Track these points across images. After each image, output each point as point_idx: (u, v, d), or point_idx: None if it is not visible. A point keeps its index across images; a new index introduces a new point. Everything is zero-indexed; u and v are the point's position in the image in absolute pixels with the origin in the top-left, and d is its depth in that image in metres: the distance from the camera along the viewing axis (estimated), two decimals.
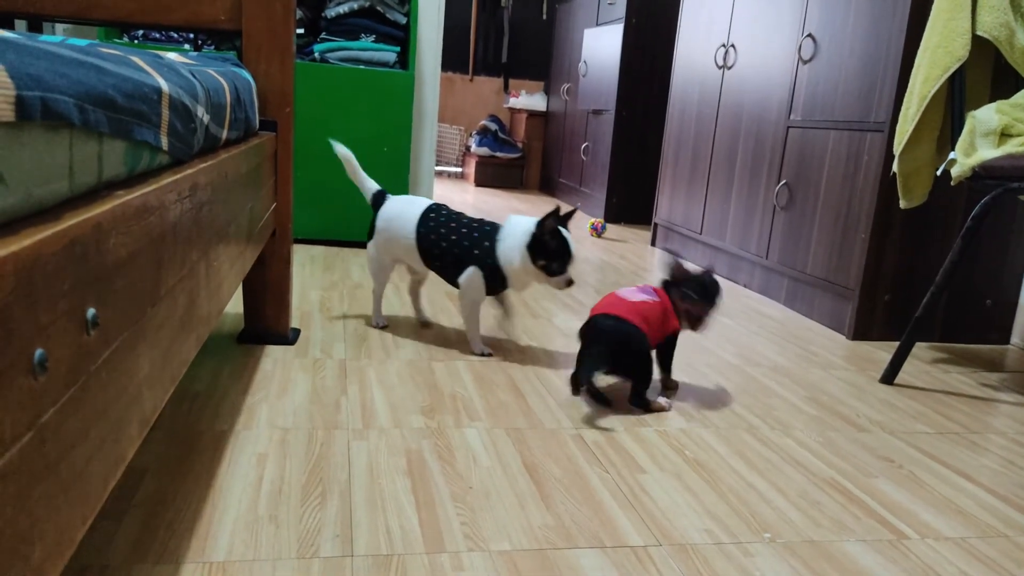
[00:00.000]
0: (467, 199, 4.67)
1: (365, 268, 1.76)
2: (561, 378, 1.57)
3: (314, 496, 1.02)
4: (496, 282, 1.62)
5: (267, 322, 1.63)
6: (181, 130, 0.82)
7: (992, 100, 1.74)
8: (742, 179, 2.73)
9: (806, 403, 1.57)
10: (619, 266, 2.93)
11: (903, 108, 1.80)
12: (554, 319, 2.04)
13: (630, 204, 4.20)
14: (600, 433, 1.31)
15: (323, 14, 2.72)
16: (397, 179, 2.74)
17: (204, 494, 1.01)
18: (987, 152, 1.65)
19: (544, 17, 5.83)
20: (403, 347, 1.68)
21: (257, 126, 1.45)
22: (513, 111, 5.82)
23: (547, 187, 5.51)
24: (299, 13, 2.72)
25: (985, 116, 1.67)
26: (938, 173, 1.78)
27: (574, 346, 1.81)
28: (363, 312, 1.92)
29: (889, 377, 1.76)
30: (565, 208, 1.69)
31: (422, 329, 1.83)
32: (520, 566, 0.91)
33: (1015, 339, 2.20)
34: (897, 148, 1.81)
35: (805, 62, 2.35)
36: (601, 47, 4.28)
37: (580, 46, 4.72)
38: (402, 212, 1.69)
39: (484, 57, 5.85)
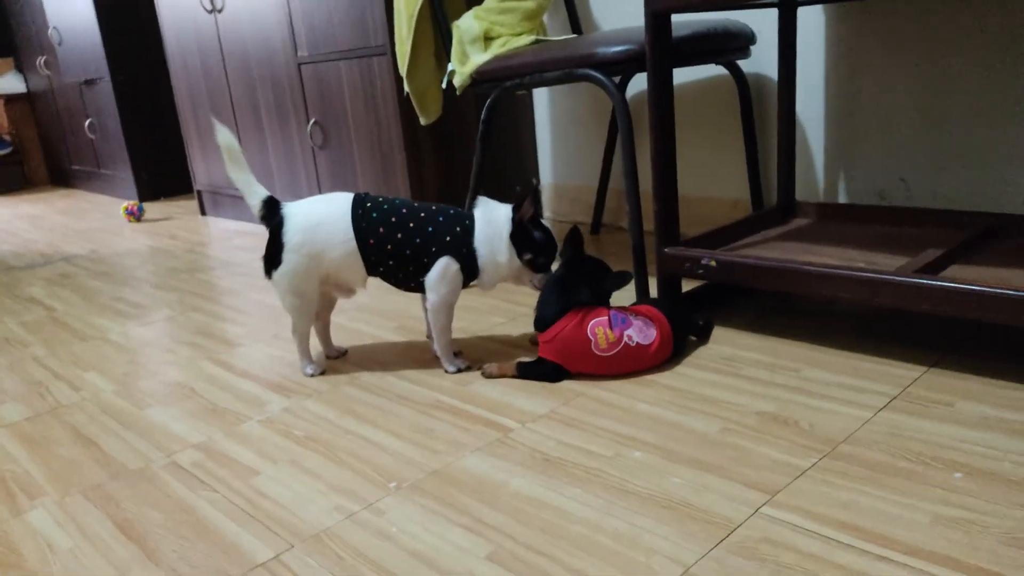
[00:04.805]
0: None
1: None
2: (136, 403, 1.37)
3: None
4: (469, 276, 1.34)
5: None
6: None
7: (469, 8, 1.87)
8: (272, 126, 2.63)
9: (395, 332, 1.60)
10: (173, 248, 2.66)
11: (396, 29, 1.86)
12: (110, 335, 1.77)
13: (164, 177, 3.83)
14: (197, 450, 1.18)
15: None
16: None
17: None
18: (478, 58, 1.79)
19: None
20: None
21: None
22: None
23: (60, 179, 4.76)
24: None
25: (467, 24, 1.80)
26: (444, 86, 1.89)
27: (147, 365, 1.59)
28: None
29: None
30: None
31: (334, 361, 1.48)
32: None
33: (548, 213, 2.52)
34: (403, 69, 1.88)
35: None
36: (70, 8, 3.70)
37: (43, 10, 4.02)
38: (324, 214, 1.31)
39: None
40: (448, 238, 1.31)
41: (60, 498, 1.07)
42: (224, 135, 1.33)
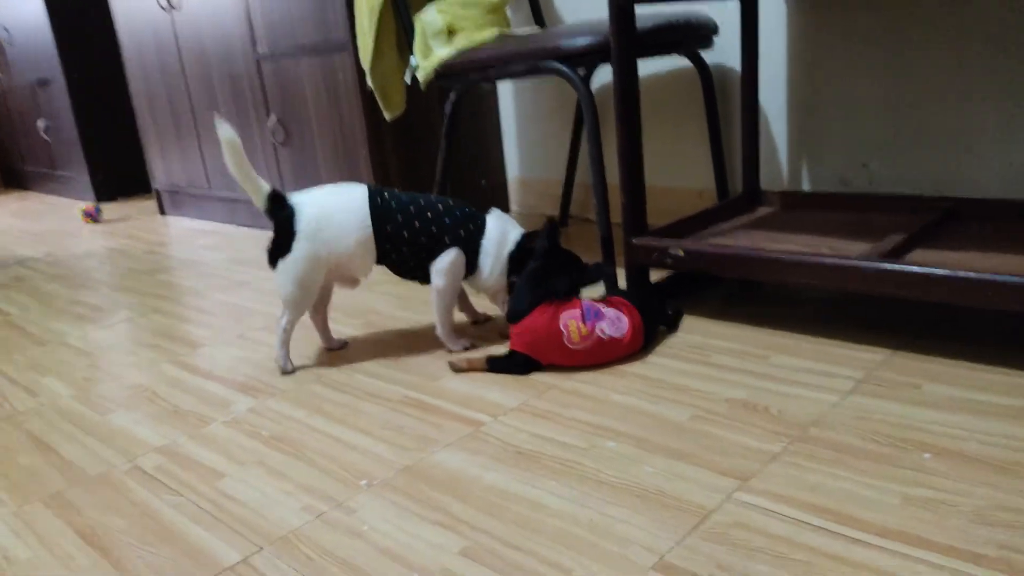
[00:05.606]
0: None
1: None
2: (96, 407, 1.33)
3: None
4: (465, 273, 1.40)
5: None
6: None
7: (431, 1, 1.85)
8: (232, 124, 2.58)
9: (361, 328, 1.58)
10: (132, 249, 2.60)
11: (357, 23, 1.83)
12: (68, 339, 1.72)
13: (121, 177, 3.74)
14: (160, 454, 1.15)
15: None
16: None
17: None
18: (441, 51, 1.77)
19: None
20: None
21: None
22: None
23: (13, 181, 4.64)
24: None
25: (430, 18, 1.78)
26: (407, 80, 1.87)
27: (107, 368, 1.55)
28: None
29: None
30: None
31: (331, 353, 1.48)
32: None
33: (515, 207, 2.51)
34: (365, 64, 1.85)
35: None
36: (20, 7, 3.60)
37: None
38: (338, 204, 1.33)
39: None
40: (462, 232, 1.36)
41: (18, 507, 1.04)
42: (225, 130, 1.31)
